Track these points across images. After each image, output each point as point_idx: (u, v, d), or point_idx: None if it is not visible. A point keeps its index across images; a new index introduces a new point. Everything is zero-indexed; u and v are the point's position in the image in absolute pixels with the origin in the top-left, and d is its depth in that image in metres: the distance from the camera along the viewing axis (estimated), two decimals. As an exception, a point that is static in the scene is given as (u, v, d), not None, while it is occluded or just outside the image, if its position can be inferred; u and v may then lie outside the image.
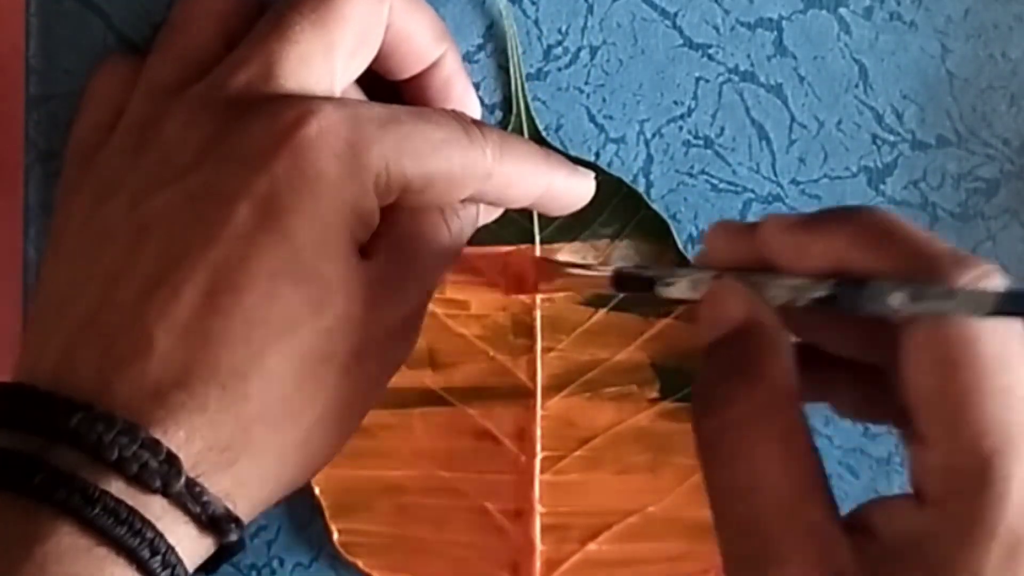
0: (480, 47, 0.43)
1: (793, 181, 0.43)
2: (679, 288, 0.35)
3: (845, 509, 0.43)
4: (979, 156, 0.43)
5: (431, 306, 0.42)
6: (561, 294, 0.42)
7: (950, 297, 0.30)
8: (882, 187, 0.43)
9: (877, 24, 0.43)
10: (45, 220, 0.42)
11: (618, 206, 0.42)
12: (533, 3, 0.42)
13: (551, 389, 0.43)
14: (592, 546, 0.42)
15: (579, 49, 0.42)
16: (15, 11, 0.42)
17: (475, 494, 0.42)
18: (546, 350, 0.43)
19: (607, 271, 0.38)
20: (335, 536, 0.42)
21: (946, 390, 0.30)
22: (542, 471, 0.42)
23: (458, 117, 0.38)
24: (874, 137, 0.43)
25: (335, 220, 0.35)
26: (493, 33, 0.43)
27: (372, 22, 0.38)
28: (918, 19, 0.43)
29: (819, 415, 0.43)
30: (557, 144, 0.42)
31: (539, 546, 0.42)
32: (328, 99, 0.36)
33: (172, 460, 0.33)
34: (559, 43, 0.42)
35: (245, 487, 0.34)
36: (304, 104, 0.36)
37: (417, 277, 0.38)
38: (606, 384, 0.43)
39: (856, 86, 0.43)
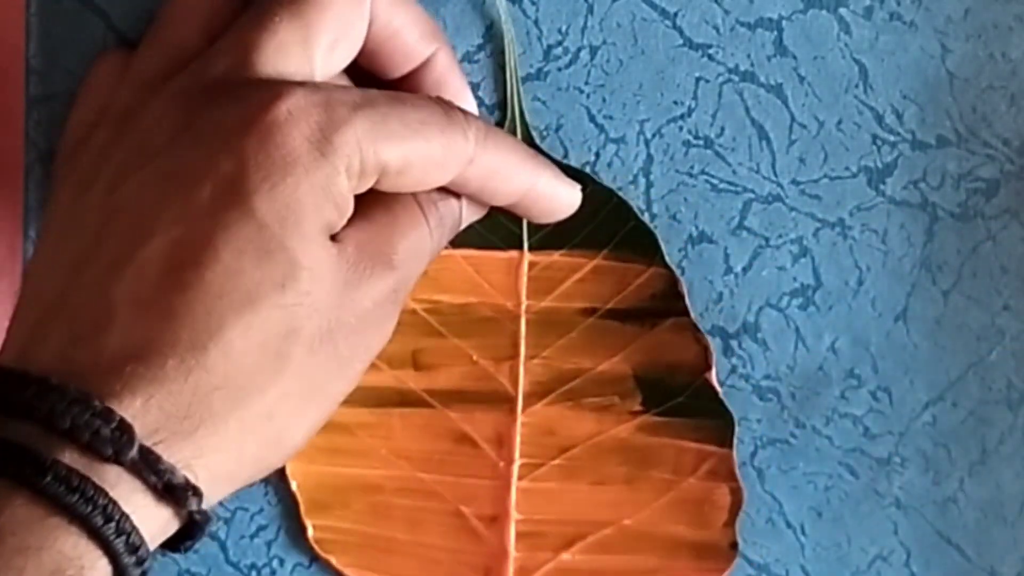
0: (480, 47, 0.43)
1: (793, 181, 0.43)
2: None
3: (845, 509, 0.43)
4: (979, 156, 0.43)
5: (415, 305, 0.42)
6: (552, 302, 0.42)
7: None
8: (882, 187, 0.43)
9: (877, 24, 0.43)
10: (45, 220, 0.42)
11: (607, 216, 0.42)
12: (533, 3, 0.42)
13: (533, 396, 0.42)
14: (566, 555, 0.42)
15: (579, 49, 0.42)
16: (15, 11, 0.42)
17: (451, 497, 0.42)
18: (530, 357, 0.42)
19: None
20: (310, 532, 0.42)
21: None
22: (519, 478, 0.42)
23: (439, 101, 0.38)
24: (874, 137, 0.43)
25: (304, 201, 0.35)
26: (493, 33, 0.43)
27: (353, 15, 0.38)
28: (918, 19, 0.43)
29: (819, 415, 0.43)
30: (557, 144, 0.42)
31: (513, 553, 0.42)
32: (301, 84, 0.36)
33: (124, 428, 0.33)
34: (559, 43, 0.42)
35: (206, 457, 0.34)
36: (275, 88, 0.36)
37: (389, 265, 0.38)
38: (588, 394, 0.42)
39: (856, 86, 0.43)
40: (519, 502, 0.42)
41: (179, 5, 0.40)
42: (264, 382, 0.35)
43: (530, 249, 0.42)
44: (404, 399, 0.42)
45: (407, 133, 0.37)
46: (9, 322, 0.38)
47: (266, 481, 0.43)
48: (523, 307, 0.42)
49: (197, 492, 0.34)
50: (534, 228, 0.42)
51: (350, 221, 0.37)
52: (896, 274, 0.43)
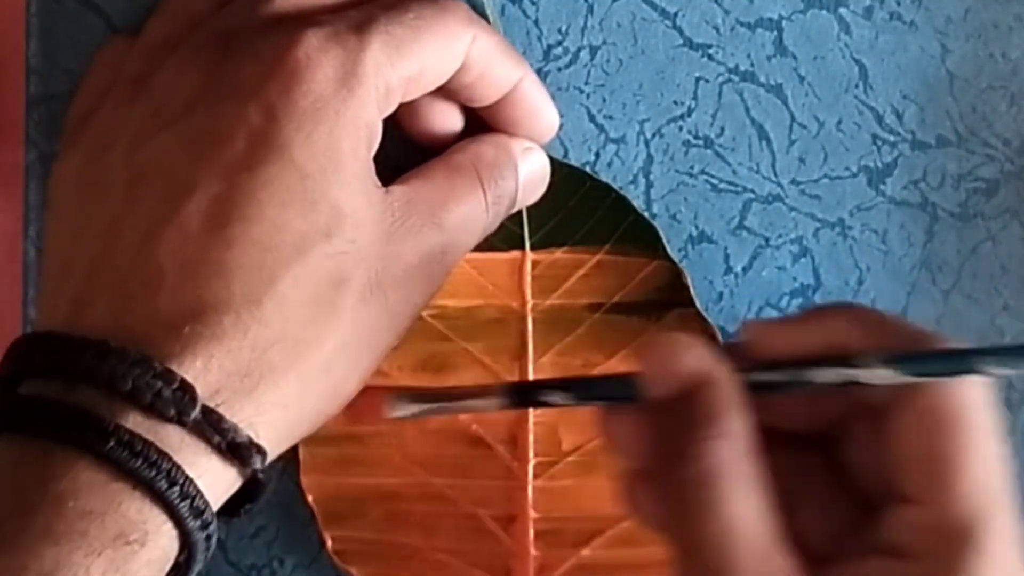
0: (480, 47, 0.43)
1: (793, 181, 0.43)
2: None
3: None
4: (979, 156, 0.43)
5: (422, 312, 0.42)
6: (557, 299, 0.42)
7: (936, 360, 0.33)
8: (882, 187, 0.43)
9: (877, 24, 0.43)
10: (45, 220, 0.42)
11: (606, 212, 0.42)
12: (533, 3, 0.42)
13: None
14: (585, 551, 0.42)
15: (579, 49, 0.42)
16: (15, 11, 0.42)
17: (468, 501, 0.42)
18: (538, 356, 0.42)
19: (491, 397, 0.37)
20: (328, 544, 0.42)
21: (937, 454, 0.32)
22: (535, 477, 0.42)
23: None
24: (874, 137, 0.43)
25: (340, 146, 0.35)
26: (493, 33, 0.42)
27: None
28: (918, 19, 0.43)
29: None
30: (557, 144, 0.42)
31: (532, 552, 0.42)
32: (306, 21, 0.36)
33: (186, 388, 0.33)
34: (559, 43, 0.42)
35: (267, 414, 0.34)
36: (288, 32, 0.36)
37: (437, 226, 0.38)
38: None
39: (856, 86, 0.43)
40: (535, 501, 0.42)
41: None
42: (319, 334, 0.35)
43: (532, 248, 0.42)
44: None
45: (413, 34, 0.36)
46: (40, 294, 0.37)
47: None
48: (529, 306, 0.42)
49: (261, 450, 0.34)
50: (535, 227, 0.42)
51: (407, 179, 0.37)
52: (896, 274, 0.43)
